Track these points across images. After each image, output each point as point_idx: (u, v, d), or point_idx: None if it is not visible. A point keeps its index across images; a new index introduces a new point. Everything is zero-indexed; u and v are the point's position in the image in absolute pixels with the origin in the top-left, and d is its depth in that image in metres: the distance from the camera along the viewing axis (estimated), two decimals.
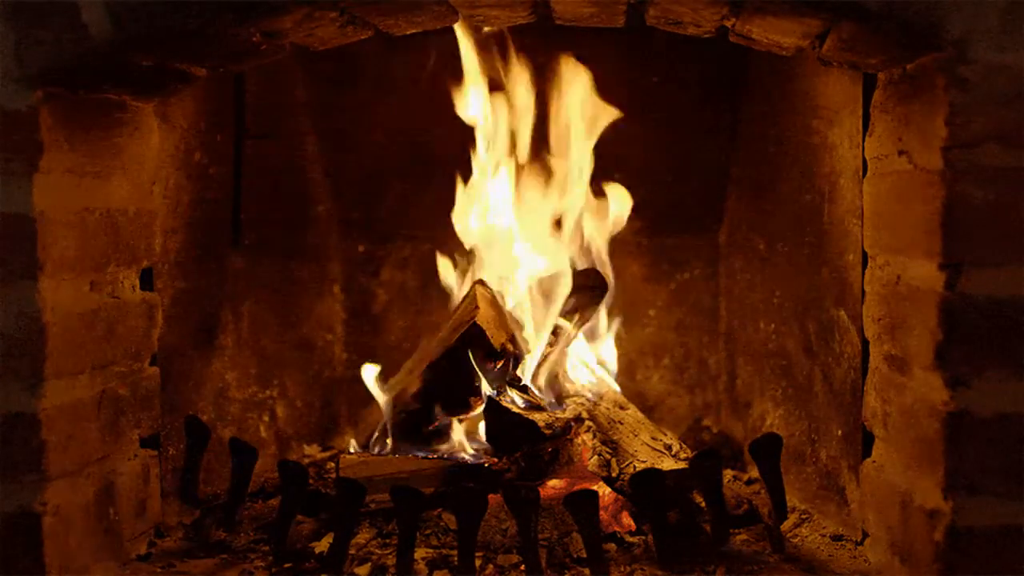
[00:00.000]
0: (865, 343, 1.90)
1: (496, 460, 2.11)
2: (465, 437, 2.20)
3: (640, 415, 2.23)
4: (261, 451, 2.12)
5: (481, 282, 2.33)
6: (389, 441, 2.24)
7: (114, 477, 1.86)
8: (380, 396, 2.28)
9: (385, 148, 2.68)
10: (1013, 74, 1.54)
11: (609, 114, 2.39)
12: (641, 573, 1.84)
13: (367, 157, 2.69)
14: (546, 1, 1.81)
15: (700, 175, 2.67)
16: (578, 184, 2.42)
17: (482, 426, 2.17)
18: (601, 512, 1.84)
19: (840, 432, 2.04)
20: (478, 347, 2.23)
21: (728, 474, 2.30)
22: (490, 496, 1.83)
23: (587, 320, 2.33)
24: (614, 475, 2.05)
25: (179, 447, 2.09)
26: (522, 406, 2.15)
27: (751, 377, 2.54)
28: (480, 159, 2.44)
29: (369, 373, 2.33)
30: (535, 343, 2.28)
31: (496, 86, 2.43)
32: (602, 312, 2.39)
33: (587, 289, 2.31)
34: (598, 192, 2.45)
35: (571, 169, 2.43)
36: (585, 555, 1.82)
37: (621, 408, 2.21)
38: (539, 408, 2.17)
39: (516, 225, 2.44)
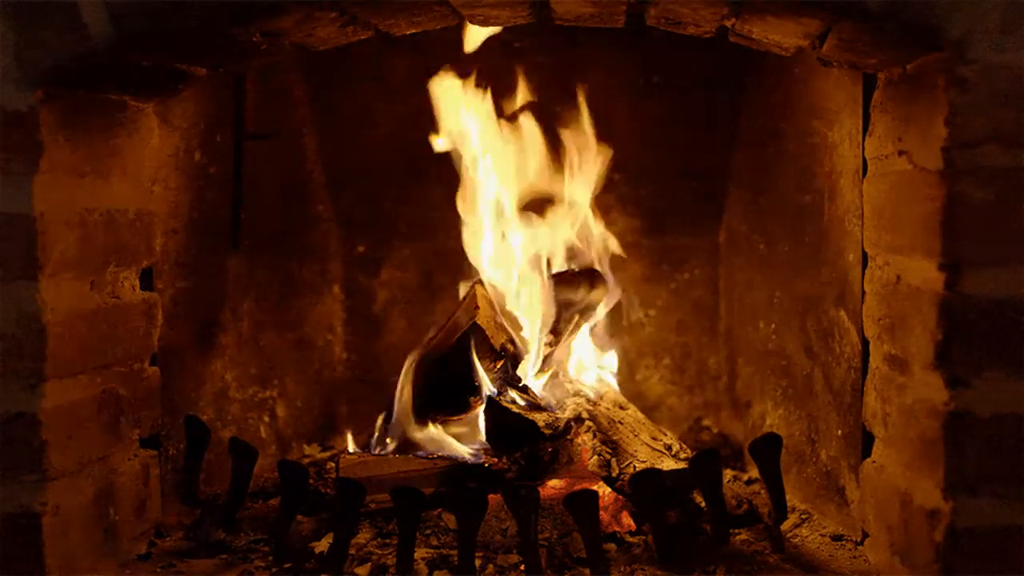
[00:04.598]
0: (865, 343, 1.90)
1: (496, 460, 2.11)
2: (465, 437, 2.20)
3: (640, 415, 2.23)
4: (261, 451, 2.12)
5: (481, 282, 2.33)
6: (389, 440, 2.24)
7: (114, 477, 1.86)
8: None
9: (385, 148, 2.68)
10: (1013, 74, 1.54)
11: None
12: (641, 573, 1.84)
13: (367, 157, 2.69)
14: (546, 1, 1.81)
15: (700, 175, 2.67)
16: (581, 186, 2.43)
17: (482, 426, 2.17)
18: (601, 512, 1.84)
19: (840, 432, 2.04)
20: (478, 347, 2.23)
21: (728, 474, 2.30)
22: (490, 496, 1.83)
23: (587, 320, 2.33)
24: (614, 475, 2.05)
25: (179, 447, 2.09)
26: (522, 406, 2.15)
27: (751, 377, 2.54)
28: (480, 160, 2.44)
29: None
30: (535, 343, 2.28)
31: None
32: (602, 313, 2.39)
33: (587, 289, 2.31)
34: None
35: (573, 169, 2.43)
36: (585, 555, 1.82)
37: (621, 408, 2.21)
38: (539, 408, 2.17)
39: (516, 224, 2.44)
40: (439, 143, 2.44)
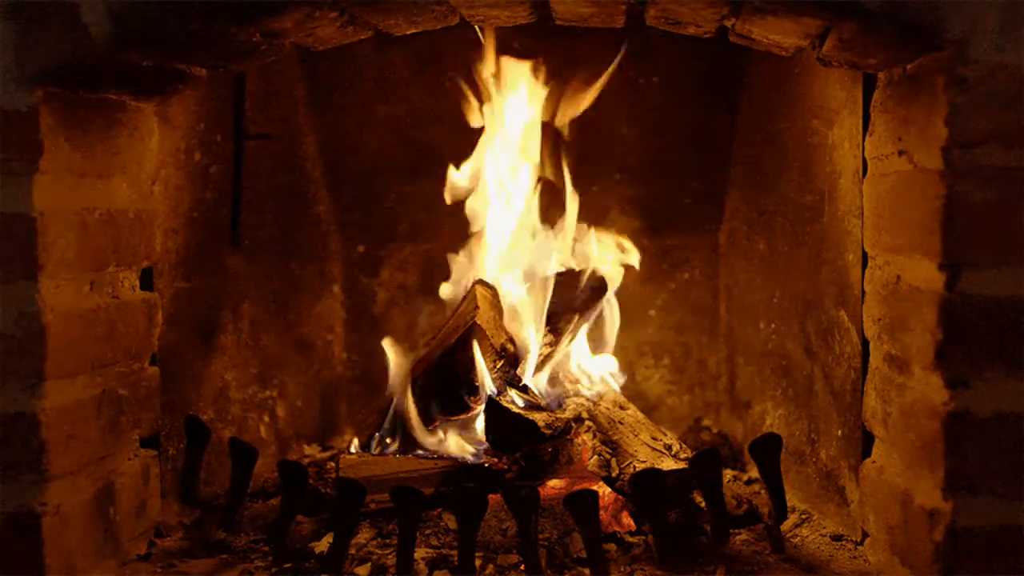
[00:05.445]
0: (865, 343, 1.90)
1: (496, 460, 2.11)
2: (465, 437, 2.20)
3: (640, 415, 2.23)
4: (261, 451, 2.12)
5: (481, 282, 2.33)
6: (389, 440, 2.24)
7: (114, 477, 1.86)
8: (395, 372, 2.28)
9: (385, 148, 2.68)
10: (1013, 74, 1.54)
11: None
12: (641, 573, 1.84)
13: (367, 157, 2.70)
14: (546, 1, 1.81)
15: (700, 175, 2.67)
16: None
17: (482, 426, 2.17)
18: (601, 512, 1.84)
19: (840, 432, 2.04)
20: (478, 347, 2.23)
21: (728, 474, 2.30)
22: (490, 496, 1.83)
23: (587, 320, 2.33)
24: (614, 475, 2.04)
25: (179, 447, 2.09)
26: (522, 406, 2.15)
27: (751, 377, 2.54)
28: (480, 160, 2.44)
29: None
30: (535, 343, 2.28)
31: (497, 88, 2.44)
32: (601, 312, 2.39)
33: (587, 289, 2.31)
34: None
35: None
36: (585, 555, 1.82)
37: (621, 408, 2.21)
38: (539, 408, 2.17)
39: (516, 225, 2.44)
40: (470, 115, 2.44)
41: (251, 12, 1.66)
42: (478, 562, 1.83)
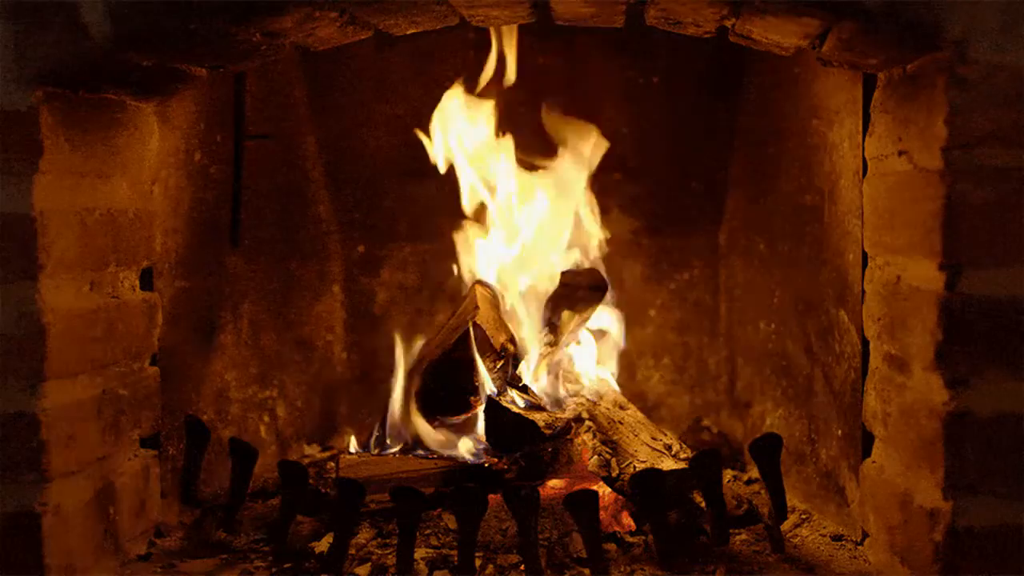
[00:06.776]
0: (865, 343, 1.90)
1: (496, 460, 2.11)
2: (465, 437, 2.20)
3: (640, 415, 2.23)
4: (261, 451, 2.12)
5: (481, 282, 2.33)
6: (390, 441, 2.24)
7: (114, 477, 1.86)
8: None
9: (385, 148, 2.68)
10: (1013, 74, 1.54)
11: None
12: (641, 573, 1.84)
13: (367, 157, 2.70)
14: (546, 1, 1.81)
15: (700, 175, 2.67)
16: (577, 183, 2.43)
17: (482, 426, 2.17)
18: (601, 512, 1.84)
19: (840, 432, 2.04)
20: (478, 347, 2.23)
21: (728, 474, 2.30)
22: (490, 496, 1.83)
23: (587, 320, 2.33)
24: (614, 475, 2.05)
25: (179, 447, 2.09)
26: (522, 406, 2.15)
27: (751, 377, 2.54)
28: (479, 158, 2.44)
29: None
30: (535, 343, 2.28)
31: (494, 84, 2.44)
32: (602, 312, 2.39)
33: (587, 289, 2.31)
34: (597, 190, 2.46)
35: (570, 168, 2.43)
36: (585, 555, 1.82)
37: (621, 408, 2.21)
38: (539, 408, 2.17)
39: (515, 224, 2.44)
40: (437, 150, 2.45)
41: (251, 12, 1.66)
42: (478, 562, 1.83)
